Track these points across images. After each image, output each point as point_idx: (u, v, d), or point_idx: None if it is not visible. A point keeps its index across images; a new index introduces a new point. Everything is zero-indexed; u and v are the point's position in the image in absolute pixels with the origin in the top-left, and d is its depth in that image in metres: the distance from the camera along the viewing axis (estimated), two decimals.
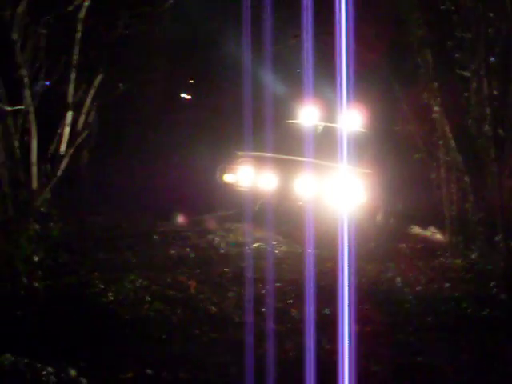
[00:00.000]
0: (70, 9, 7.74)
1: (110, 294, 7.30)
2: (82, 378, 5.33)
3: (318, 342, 6.47)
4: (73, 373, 5.36)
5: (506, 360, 6.40)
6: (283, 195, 11.27)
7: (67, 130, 7.72)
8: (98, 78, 8.04)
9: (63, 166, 7.64)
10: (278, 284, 8.40)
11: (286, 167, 11.40)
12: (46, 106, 7.66)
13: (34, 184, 7.44)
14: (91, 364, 5.59)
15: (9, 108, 7.26)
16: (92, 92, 8.01)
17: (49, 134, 7.66)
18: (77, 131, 7.79)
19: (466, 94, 10.34)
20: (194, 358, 6.03)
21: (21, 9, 7.27)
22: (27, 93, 7.41)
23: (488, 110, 9.53)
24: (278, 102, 13.92)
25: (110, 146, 13.85)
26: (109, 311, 6.93)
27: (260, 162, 11.70)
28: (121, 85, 8.90)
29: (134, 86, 9.83)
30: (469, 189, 10.33)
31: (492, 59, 9.71)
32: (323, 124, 12.33)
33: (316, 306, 7.41)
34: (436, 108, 10.74)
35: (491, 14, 9.53)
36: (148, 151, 15.37)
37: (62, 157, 7.65)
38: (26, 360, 5.33)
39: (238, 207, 11.46)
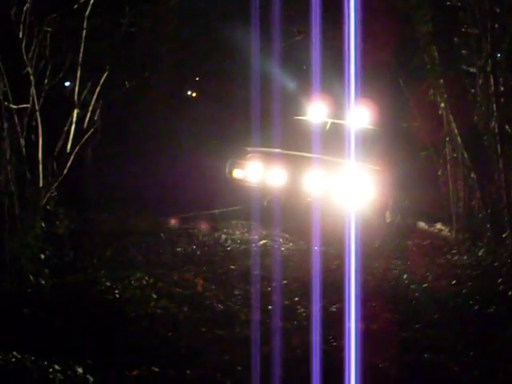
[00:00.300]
0: (76, 7, 7.74)
1: (117, 291, 7.31)
2: (88, 376, 5.33)
3: (325, 340, 6.47)
4: (79, 370, 5.36)
5: None
6: (292, 191, 11.28)
7: (73, 128, 7.72)
8: (104, 76, 8.04)
9: (69, 164, 7.64)
10: (285, 281, 8.39)
11: (295, 163, 11.41)
12: (51, 105, 7.66)
13: (40, 182, 7.44)
14: (98, 362, 5.59)
15: (15, 106, 7.27)
16: (97, 90, 8.01)
17: (54, 132, 7.66)
18: (82, 129, 7.79)
19: (472, 91, 10.33)
20: (201, 356, 6.03)
21: (26, 6, 7.27)
22: (33, 91, 7.42)
23: (494, 107, 9.51)
24: (287, 99, 13.94)
25: (114, 144, 13.86)
26: (115, 309, 6.93)
27: (268, 157, 11.71)
28: (126, 82, 8.90)
29: (139, 84, 9.80)
30: (475, 185, 10.32)
31: (498, 55, 9.68)
32: (331, 120, 12.32)
33: (323, 304, 7.42)
34: (442, 105, 10.73)
35: (498, 10, 9.50)
36: (154, 148, 15.37)
37: (68, 155, 7.65)
38: (32, 358, 5.33)
39: (245, 203, 11.46)
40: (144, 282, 7.70)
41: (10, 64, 7.24)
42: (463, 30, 10.33)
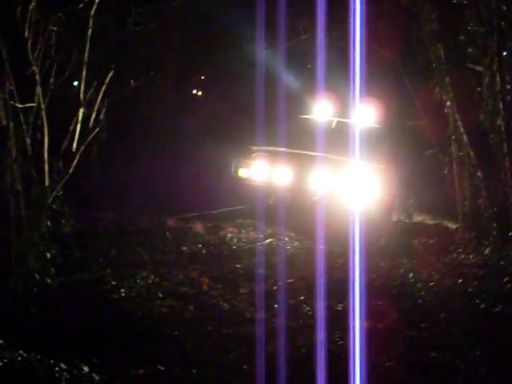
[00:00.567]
0: (81, 6, 7.74)
1: (123, 290, 7.31)
2: (94, 375, 5.34)
3: (331, 338, 6.46)
4: (85, 369, 5.36)
5: None
6: (297, 190, 11.27)
7: (78, 127, 7.73)
8: (109, 75, 8.04)
9: (75, 163, 7.65)
10: (290, 280, 8.39)
11: (300, 162, 11.39)
12: (57, 104, 7.66)
13: (46, 181, 7.44)
14: (104, 360, 5.60)
15: (20, 105, 7.27)
16: (103, 89, 8.01)
17: (60, 131, 7.66)
18: (88, 128, 7.79)
19: (478, 89, 10.31)
20: (206, 355, 6.04)
21: (32, 6, 7.28)
22: (39, 90, 7.42)
23: (501, 105, 9.49)
24: (292, 97, 13.92)
25: (120, 143, 13.87)
26: (121, 308, 6.94)
27: (274, 156, 11.70)
28: (132, 81, 8.90)
29: (144, 83, 9.81)
30: (482, 184, 10.30)
31: (505, 53, 9.66)
32: (337, 119, 12.31)
33: (328, 302, 7.41)
34: (448, 103, 10.70)
35: (504, 8, 9.48)
36: (159, 147, 15.38)
37: (74, 154, 7.66)
38: (38, 356, 5.34)
39: (251, 202, 11.46)
40: (149, 281, 7.71)
41: (15, 63, 7.24)
42: (469, 28, 10.30)
